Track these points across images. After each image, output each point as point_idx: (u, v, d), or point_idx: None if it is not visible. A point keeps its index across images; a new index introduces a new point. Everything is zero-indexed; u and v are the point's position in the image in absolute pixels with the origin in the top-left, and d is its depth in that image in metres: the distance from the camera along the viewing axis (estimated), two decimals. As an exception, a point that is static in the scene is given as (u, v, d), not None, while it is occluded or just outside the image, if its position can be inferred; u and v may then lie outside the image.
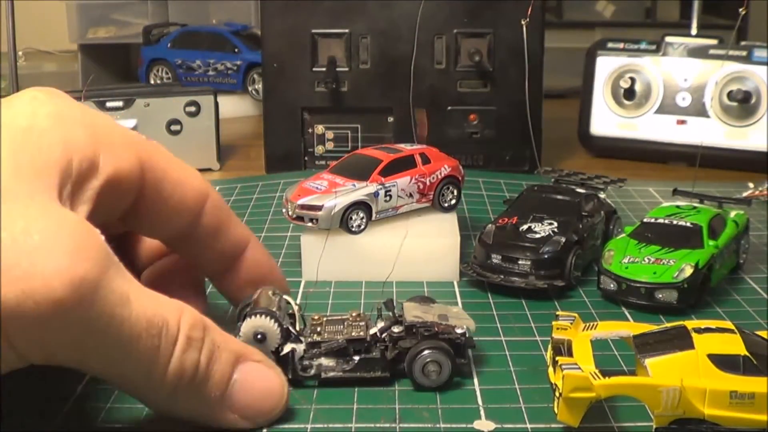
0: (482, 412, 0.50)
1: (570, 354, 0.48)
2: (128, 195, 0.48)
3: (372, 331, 0.53)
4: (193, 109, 1.02)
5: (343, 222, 0.68)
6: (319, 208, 0.67)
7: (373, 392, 0.52)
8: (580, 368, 0.44)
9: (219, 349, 0.45)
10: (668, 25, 1.54)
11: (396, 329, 0.52)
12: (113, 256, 0.42)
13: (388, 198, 0.70)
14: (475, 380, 0.53)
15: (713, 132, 1.04)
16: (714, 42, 1.06)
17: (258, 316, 0.51)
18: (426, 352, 0.51)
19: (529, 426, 0.48)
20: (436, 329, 0.52)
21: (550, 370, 0.48)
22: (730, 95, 1.03)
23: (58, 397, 0.51)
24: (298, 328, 0.53)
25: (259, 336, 0.51)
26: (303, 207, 0.68)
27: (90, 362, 0.42)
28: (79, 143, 0.44)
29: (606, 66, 1.10)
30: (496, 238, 0.68)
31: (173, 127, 1.02)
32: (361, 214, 0.68)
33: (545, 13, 0.99)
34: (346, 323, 0.54)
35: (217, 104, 1.04)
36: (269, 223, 0.83)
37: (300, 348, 0.52)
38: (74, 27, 1.46)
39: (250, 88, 1.33)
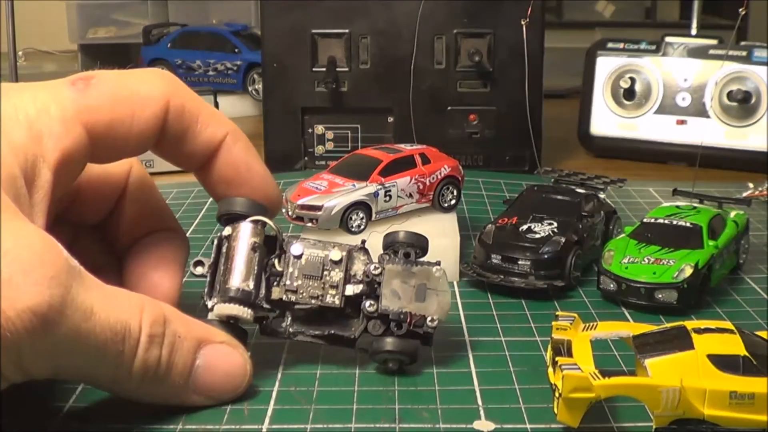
0: (482, 412, 0.50)
1: (570, 354, 0.48)
2: (81, 163, 0.49)
3: (347, 291, 0.53)
4: (193, 109, 1.02)
5: (343, 222, 0.68)
6: (319, 208, 0.67)
7: (373, 392, 0.52)
8: (579, 368, 0.44)
9: (180, 339, 0.47)
10: (668, 25, 1.54)
11: (369, 307, 0.53)
12: (75, 268, 0.43)
13: (387, 198, 0.70)
14: (475, 380, 0.53)
15: (713, 132, 1.04)
16: (714, 42, 1.06)
17: (229, 302, 0.51)
18: (387, 354, 0.53)
19: (529, 426, 0.48)
20: (408, 323, 0.52)
21: (550, 370, 0.48)
22: (730, 95, 1.03)
23: (58, 397, 0.51)
24: (277, 251, 0.53)
25: (231, 321, 0.52)
26: (303, 207, 0.68)
27: (61, 372, 0.44)
28: (20, 142, 0.44)
29: (606, 66, 1.10)
30: (496, 238, 0.68)
31: (173, 127, 1.01)
32: (361, 214, 0.68)
33: (545, 13, 1.00)
34: (323, 273, 0.53)
35: (217, 104, 1.04)
36: (269, 223, 0.83)
37: (272, 316, 0.53)
38: (74, 27, 1.47)
39: (250, 88, 1.33)
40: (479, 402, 0.51)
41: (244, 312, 0.51)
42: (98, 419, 0.49)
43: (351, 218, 0.68)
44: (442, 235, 0.70)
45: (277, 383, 0.53)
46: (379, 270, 0.53)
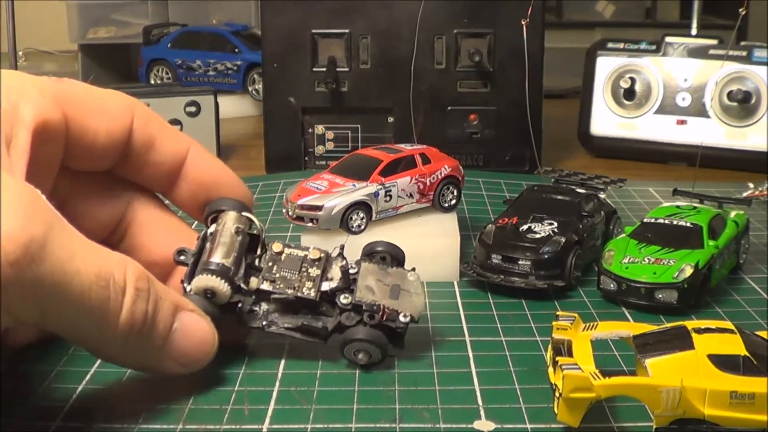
0: (482, 412, 0.50)
1: (570, 354, 0.48)
2: (58, 142, 0.49)
3: (323, 287, 0.54)
4: (193, 109, 1.02)
5: (343, 222, 0.68)
6: (319, 208, 0.67)
7: (373, 392, 0.52)
8: (580, 368, 0.44)
9: (161, 299, 0.48)
10: (668, 25, 1.54)
11: (344, 299, 0.54)
12: (56, 214, 0.43)
13: (388, 198, 0.70)
14: (475, 380, 0.53)
15: (713, 132, 1.04)
16: (714, 42, 1.06)
17: (208, 274, 0.52)
18: (358, 342, 0.53)
19: (529, 426, 0.48)
20: (380, 315, 0.53)
21: (550, 370, 0.48)
22: (730, 95, 1.03)
23: (58, 397, 0.51)
24: (258, 252, 0.55)
25: (208, 294, 0.52)
26: (303, 207, 0.68)
27: (48, 319, 0.44)
28: None
29: (606, 66, 1.10)
30: (496, 238, 0.68)
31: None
32: (361, 214, 0.68)
33: (545, 13, 0.99)
34: (302, 269, 0.55)
35: (217, 104, 1.04)
36: (269, 223, 0.83)
37: (248, 301, 0.54)
38: (74, 27, 1.47)
39: (250, 88, 1.33)
40: (479, 402, 0.51)
41: (222, 285, 0.52)
42: (98, 419, 0.49)
43: (351, 218, 0.68)
44: (442, 235, 0.70)
45: (277, 383, 0.53)
46: (356, 269, 0.55)
